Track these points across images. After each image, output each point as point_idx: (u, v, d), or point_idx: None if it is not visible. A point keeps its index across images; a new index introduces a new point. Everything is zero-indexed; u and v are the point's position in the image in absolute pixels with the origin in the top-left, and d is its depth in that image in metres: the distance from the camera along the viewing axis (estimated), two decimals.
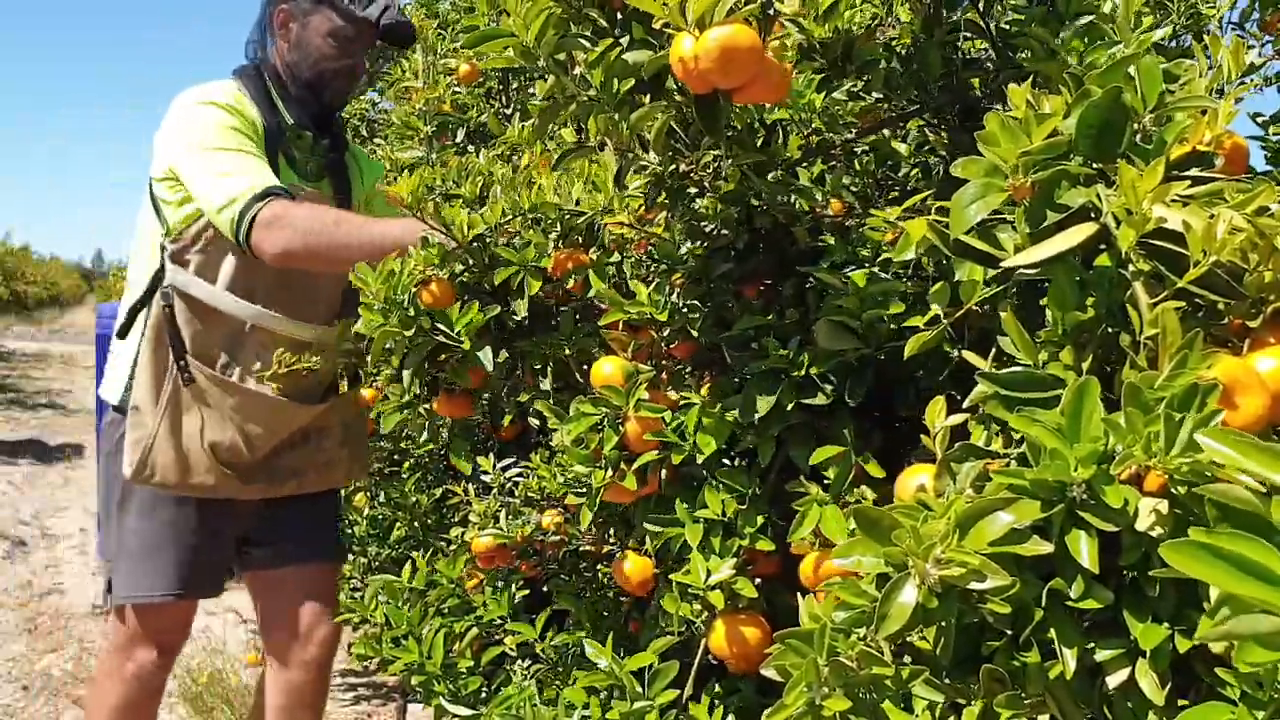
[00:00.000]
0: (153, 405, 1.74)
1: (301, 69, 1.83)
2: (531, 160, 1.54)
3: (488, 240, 1.38)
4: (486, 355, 1.32)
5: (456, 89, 2.67)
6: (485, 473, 1.59)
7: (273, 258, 1.61)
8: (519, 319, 1.37)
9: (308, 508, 1.95)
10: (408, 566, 1.62)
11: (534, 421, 1.67)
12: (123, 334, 1.82)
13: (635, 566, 1.28)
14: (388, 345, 1.34)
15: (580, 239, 1.41)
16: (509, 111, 2.61)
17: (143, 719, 1.92)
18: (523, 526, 1.53)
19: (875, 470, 1.07)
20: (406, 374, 1.37)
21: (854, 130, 1.37)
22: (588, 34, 1.01)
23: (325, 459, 1.89)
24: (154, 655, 1.86)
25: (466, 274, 1.39)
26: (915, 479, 0.86)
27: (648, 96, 1.01)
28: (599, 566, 1.60)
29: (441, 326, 1.32)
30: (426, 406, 1.45)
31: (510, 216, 1.39)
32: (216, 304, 1.73)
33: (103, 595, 1.90)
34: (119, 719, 1.88)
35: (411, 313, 1.31)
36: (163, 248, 1.76)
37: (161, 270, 1.76)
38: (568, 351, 1.39)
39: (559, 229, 1.38)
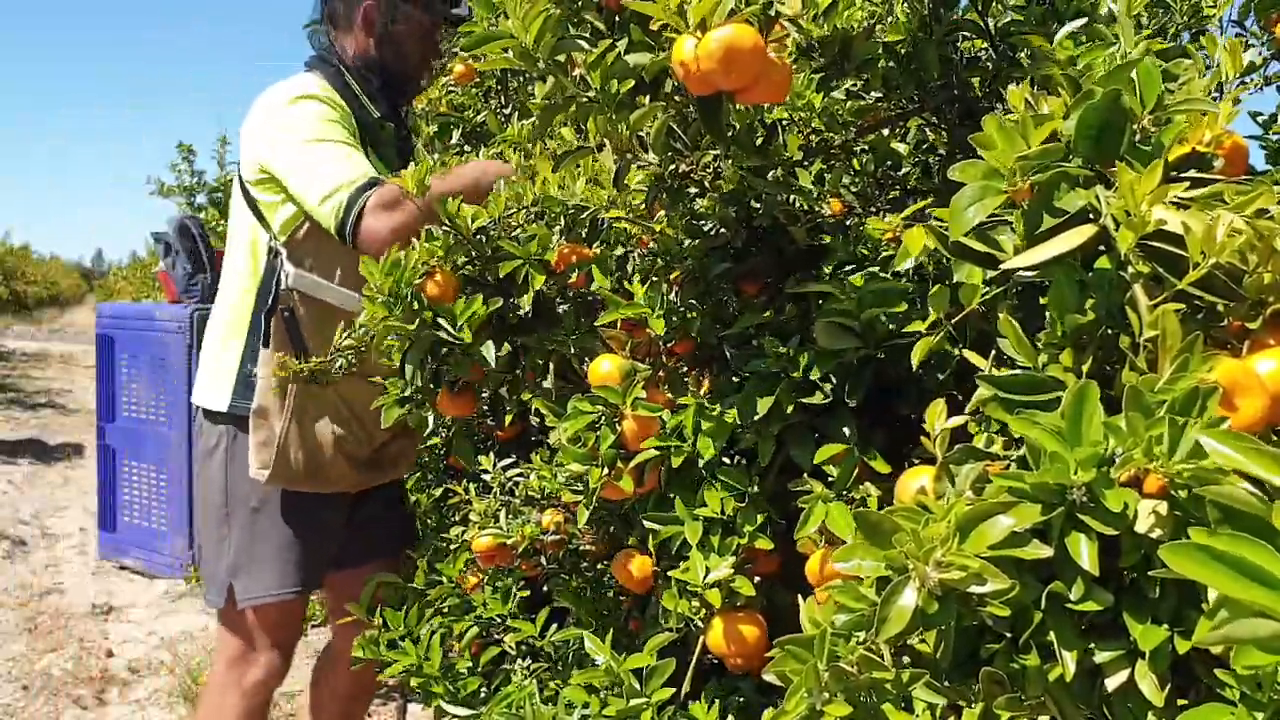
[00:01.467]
0: (280, 408, 1.73)
1: (385, 65, 1.82)
2: (534, 156, 1.54)
3: (491, 233, 1.38)
4: (489, 350, 1.32)
5: (452, 89, 2.67)
6: (485, 472, 1.59)
7: (384, 242, 1.54)
8: (522, 313, 1.37)
9: (391, 498, 2.00)
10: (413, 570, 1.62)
11: (535, 420, 1.67)
12: (266, 343, 1.77)
13: (636, 564, 1.28)
14: (390, 338, 1.34)
15: (584, 234, 1.40)
16: (508, 111, 2.61)
17: None
18: (523, 526, 1.53)
19: (880, 466, 1.07)
20: (409, 367, 1.37)
21: (853, 130, 1.37)
22: (586, 35, 1.01)
23: (411, 443, 1.93)
24: (278, 657, 1.85)
25: (469, 266, 1.39)
26: (915, 481, 0.86)
27: (647, 98, 1.01)
28: (599, 566, 1.61)
29: (443, 322, 1.32)
30: (428, 401, 1.44)
31: (514, 209, 1.39)
32: (339, 301, 1.72)
33: (220, 600, 1.84)
34: None
35: (415, 306, 1.31)
36: (274, 251, 1.75)
37: (272, 273, 1.75)
38: (571, 349, 1.38)
39: (562, 223, 1.38)
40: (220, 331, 1.85)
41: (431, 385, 1.41)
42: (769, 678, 0.76)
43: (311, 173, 1.64)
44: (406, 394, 1.40)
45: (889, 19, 1.23)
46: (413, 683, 1.45)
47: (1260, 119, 1.57)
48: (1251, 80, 1.44)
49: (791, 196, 1.30)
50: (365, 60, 1.83)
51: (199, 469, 1.90)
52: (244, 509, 1.81)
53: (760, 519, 1.14)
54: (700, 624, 1.16)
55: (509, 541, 1.56)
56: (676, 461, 1.16)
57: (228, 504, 1.82)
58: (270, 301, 1.74)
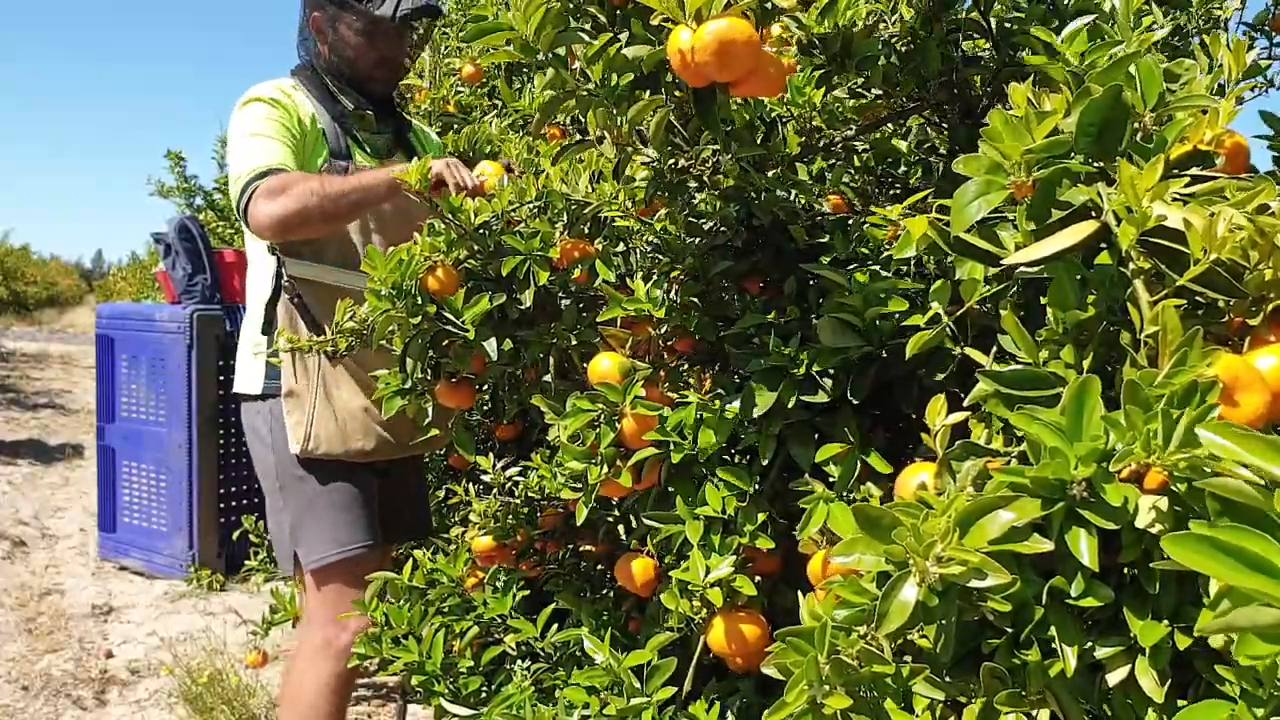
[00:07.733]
0: (306, 388, 1.88)
1: (341, 67, 1.98)
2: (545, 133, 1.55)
3: (494, 228, 1.38)
4: (491, 346, 1.32)
5: (460, 89, 2.68)
6: (485, 472, 1.59)
7: (267, 228, 1.73)
8: (523, 308, 1.37)
9: (412, 480, 2.11)
10: (408, 565, 1.62)
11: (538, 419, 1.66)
12: (266, 330, 1.94)
13: (639, 567, 1.28)
14: (390, 329, 1.35)
15: (586, 229, 1.40)
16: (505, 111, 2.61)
17: (347, 695, 1.97)
18: (523, 526, 1.53)
19: (881, 466, 1.07)
20: (410, 360, 1.37)
21: (854, 127, 1.36)
22: (586, 28, 1.01)
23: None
24: (366, 619, 1.89)
25: (471, 260, 1.39)
26: (916, 477, 0.86)
27: (646, 91, 1.01)
28: (599, 566, 1.60)
29: (447, 314, 1.32)
30: (427, 392, 1.44)
31: (516, 204, 1.39)
32: (339, 282, 1.86)
33: (290, 569, 1.99)
34: (334, 697, 1.92)
35: (419, 301, 1.32)
36: (271, 246, 1.89)
37: (280, 265, 1.89)
38: (573, 341, 1.39)
39: (565, 218, 1.38)
40: (250, 326, 2.01)
41: (430, 377, 1.42)
42: (769, 671, 0.76)
43: (235, 162, 1.83)
44: (406, 385, 1.40)
45: (892, 17, 1.23)
46: (414, 681, 1.45)
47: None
48: (1254, 81, 1.44)
49: (791, 193, 1.30)
50: (326, 62, 2.01)
51: (253, 453, 2.05)
52: (292, 479, 1.93)
53: (761, 518, 1.14)
54: (701, 623, 1.16)
55: (509, 542, 1.56)
56: (676, 458, 1.15)
57: (279, 478, 1.95)
58: (271, 293, 1.90)
